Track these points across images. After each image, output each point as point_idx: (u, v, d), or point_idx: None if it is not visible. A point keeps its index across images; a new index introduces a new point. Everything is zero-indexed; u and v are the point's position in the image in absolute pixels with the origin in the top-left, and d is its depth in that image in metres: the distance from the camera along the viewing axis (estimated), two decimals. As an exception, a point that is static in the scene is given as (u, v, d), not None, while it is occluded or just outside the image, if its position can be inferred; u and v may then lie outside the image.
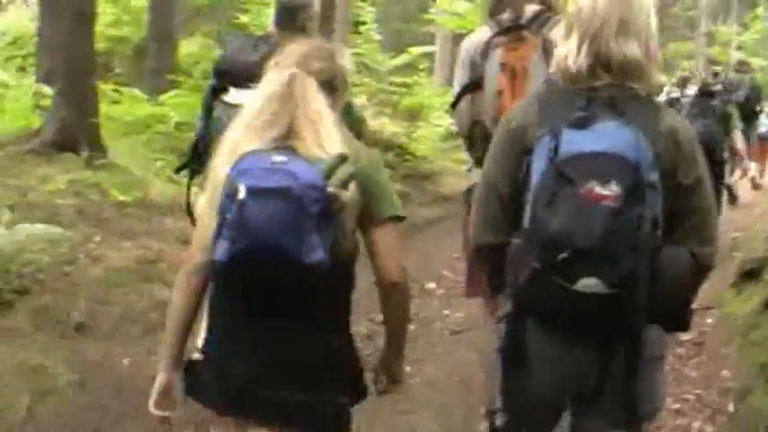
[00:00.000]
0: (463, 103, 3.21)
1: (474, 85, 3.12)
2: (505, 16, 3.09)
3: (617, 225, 1.78)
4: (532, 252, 1.87)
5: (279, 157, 1.90)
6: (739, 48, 33.37)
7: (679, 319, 2.02)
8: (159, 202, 6.85)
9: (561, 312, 1.89)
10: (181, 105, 9.39)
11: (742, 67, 11.11)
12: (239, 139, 2.01)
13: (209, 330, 2.10)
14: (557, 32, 2.48)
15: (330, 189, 1.88)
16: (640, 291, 1.84)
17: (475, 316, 4.46)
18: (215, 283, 2.04)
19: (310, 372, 2.01)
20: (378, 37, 17.94)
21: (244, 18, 12.78)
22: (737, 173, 8.65)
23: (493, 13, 3.18)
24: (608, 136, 1.86)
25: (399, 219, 2.14)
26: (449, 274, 6.78)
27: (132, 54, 12.75)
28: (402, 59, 17.27)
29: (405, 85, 16.08)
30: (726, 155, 7.65)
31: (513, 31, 3.03)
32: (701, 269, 2.01)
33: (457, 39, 20.91)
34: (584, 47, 1.98)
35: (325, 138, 2.00)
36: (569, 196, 1.81)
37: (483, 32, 3.17)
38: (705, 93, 7.93)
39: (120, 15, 12.73)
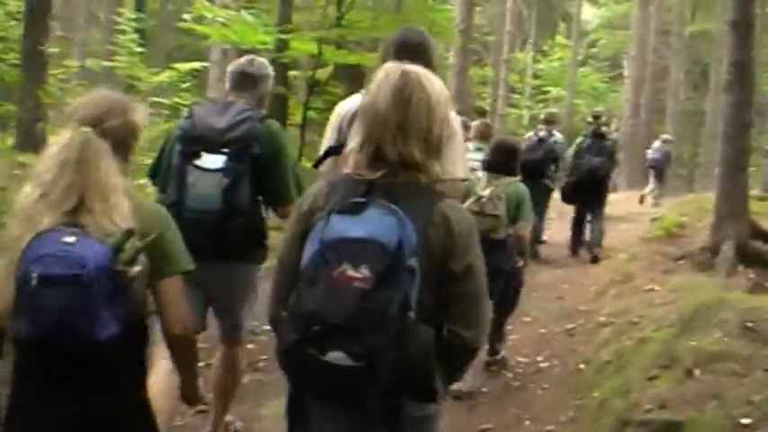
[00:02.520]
0: (325, 166, 3.23)
1: (338, 150, 3.16)
2: None
3: (365, 305, 1.90)
4: (292, 325, 1.99)
5: (69, 238, 2.03)
6: (536, 76, 33.46)
7: (424, 392, 2.09)
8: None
9: (316, 381, 2.02)
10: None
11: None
12: (36, 209, 2.11)
13: (13, 396, 2.21)
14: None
15: (118, 268, 2.04)
16: (384, 365, 1.92)
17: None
18: (15, 353, 2.14)
19: (114, 428, 2.19)
20: (139, 49, 15.85)
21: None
22: None
23: (366, 84, 3.01)
24: (371, 222, 1.97)
25: (188, 272, 2.36)
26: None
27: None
28: (167, 76, 15.08)
29: (169, 107, 13.98)
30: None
31: None
32: (467, 350, 2.12)
33: (240, 54, 19.45)
34: (366, 146, 2.13)
35: (115, 210, 2.13)
36: (325, 277, 1.94)
37: (355, 100, 3.22)
38: (598, 135, 9.81)
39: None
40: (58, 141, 2.18)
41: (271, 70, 4.01)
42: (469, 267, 2.08)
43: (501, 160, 5.50)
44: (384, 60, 3.11)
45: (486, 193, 5.11)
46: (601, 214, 9.53)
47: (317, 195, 2.18)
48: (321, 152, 3.26)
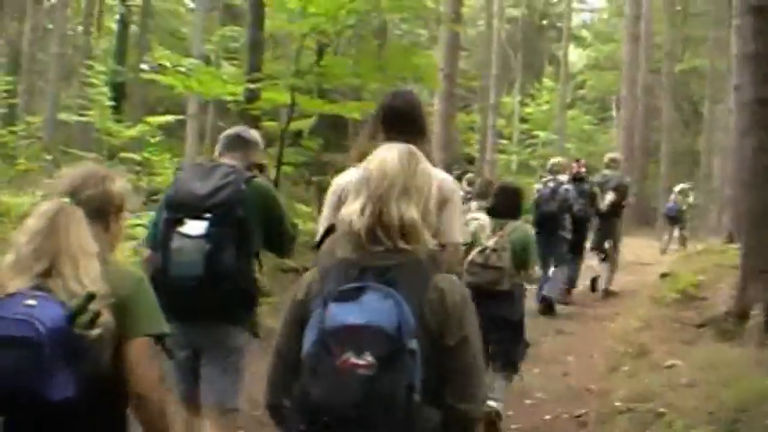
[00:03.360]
0: (327, 244, 3.03)
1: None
2: None
3: (371, 392, 1.88)
4: (299, 416, 1.99)
5: (31, 301, 2.09)
6: (524, 120, 32.89)
7: None
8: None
9: None
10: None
11: (613, 163, 11.28)
12: (8, 274, 2.20)
13: None
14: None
15: (76, 330, 2.09)
16: None
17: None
18: None
19: None
20: (109, 102, 15.27)
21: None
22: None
23: (363, 155, 2.83)
24: (369, 308, 1.95)
25: (160, 336, 2.37)
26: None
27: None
28: (138, 130, 14.47)
29: (140, 163, 13.22)
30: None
31: None
32: (465, 423, 2.10)
33: (218, 107, 18.81)
34: (368, 208, 2.12)
35: (84, 273, 2.19)
36: (329, 366, 1.91)
37: (352, 174, 3.12)
38: (578, 179, 9.97)
39: None
40: (36, 211, 2.29)
41: (261, 143, 4.10)
42: (464, 339, 2.08)
43: (504, 204, 5.52)
44: (374, 130, 3.27)
45: (491, 243, 5.14)
46: (563, 260, 9.54)
47: (310, 283, 2.19)
48: (320, 230, 3.16)
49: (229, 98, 10.21)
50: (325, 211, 3.31)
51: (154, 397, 2.32)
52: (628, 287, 10.65)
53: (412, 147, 2.30)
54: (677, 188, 18.23)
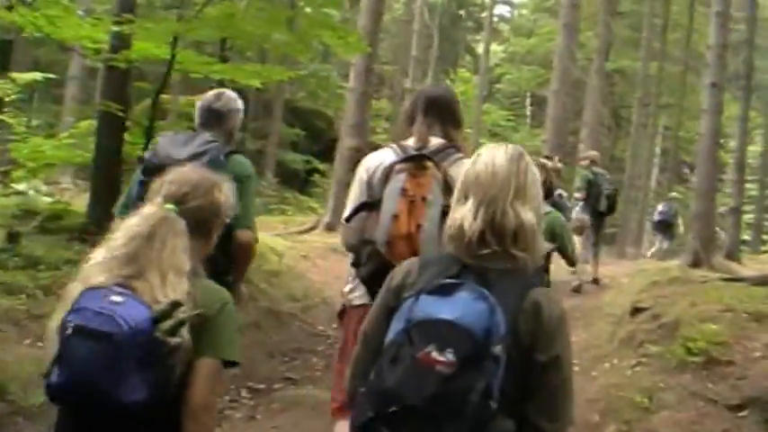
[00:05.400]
0: (356, 221, 3.23)
1: (370, 206, 3.18)
2: (411, 143, 3.24)
3: (445, 391, 1.85)
4: (370, 402, 1.95)
5: (116, 297, 2.07)
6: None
7: None
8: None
9: None
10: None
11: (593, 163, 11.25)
12: (94, 269, 2.19)
13: None
14: (455, 172, 2.79)
15: (157, 335, 2.05)
16: None
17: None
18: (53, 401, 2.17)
19: None
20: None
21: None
22: None
23: (398, 138, 3.37)
24: (461, 306, 1.92)
25: (231, 363, 2.29)
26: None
27: None
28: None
29: None
30: None
31: (417, 160, 3.12)
32: None
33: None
34: (481, 212, 2.07)
35: (170, 286, 2.16)
36: (408, 356, 1.89)
37: (385, 154, 3.29)
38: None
39: None
40: (140, 214, 2.27)
41: (239, 104, 4.11)
42: (557, 358, 2.00)
43: None
44: (411, 115, 3.37)
45: None
46: None
47: (409, 271, 2.17)
48: (349, 207, 3.28)
49: (89, 45, 7.66)
50: (356, 188, 3.33)
51: (206, 419, 2.22)
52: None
53: (519, 147, 2.22)
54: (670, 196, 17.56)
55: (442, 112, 3.31)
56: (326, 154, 22.03)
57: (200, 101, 4.05)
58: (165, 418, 2.15)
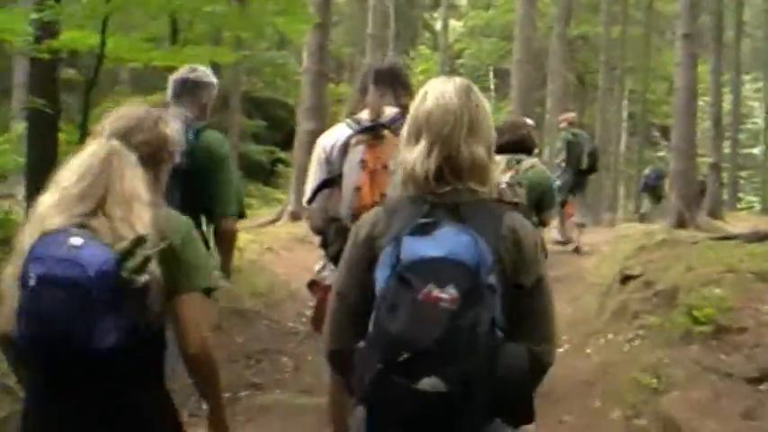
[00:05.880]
0: (318, 200, 3.25)
1: (330, 182, 3.19)
2: (364, 116, 3.27)
3: (454, 327, 1.82)
4: (375, 354, 1.90)
5: (76, 240, 1.98)
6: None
7: (521, 413, 2.01)
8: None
9: (406, 412, 1.89)
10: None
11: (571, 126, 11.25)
12: (48, 212, 2.10)
13: (25, 400, 2.21)
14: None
15: (123, 274, 1.98)
16: (480, 388, 1.86)
17: None
18: (21, 357, 2.14)
19: None
20: None
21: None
22: None
23: (352, 113, 3.35)
24: (447, 241, 1.90)
25: (208, 290, 2.28)
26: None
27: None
28: None
29: None
30: None
31: (373, 131, 3.18)
32: (538, 366, 2.03)
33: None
34: (435, 150, 2.04)
35: (136, 217, 2.10)
36: (408, 300, 1.86)
37: (340, 130, 3.30)
38: None
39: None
40: (84, 151, 2.19)
41: (214, 79, 3.97)
42: (539, 280, 2.03)
43: (515, 137, 4.83)
44: (363, 88, 3.42)
45: (506, 178, 4.50)
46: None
47: (375, 222, 2.12)
48: (309, 188, 3.29)
49: (9, 38, 6.97)
50: (314, 167, 3.32)
51: (207, 357, 2.20)
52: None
53: (467, 80, 2.16)
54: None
55: (392, 81, 3.38)
56: (290, 143, 21.37)
57: (172, 75, 3.92)
58: (139, 360, 2.11)
